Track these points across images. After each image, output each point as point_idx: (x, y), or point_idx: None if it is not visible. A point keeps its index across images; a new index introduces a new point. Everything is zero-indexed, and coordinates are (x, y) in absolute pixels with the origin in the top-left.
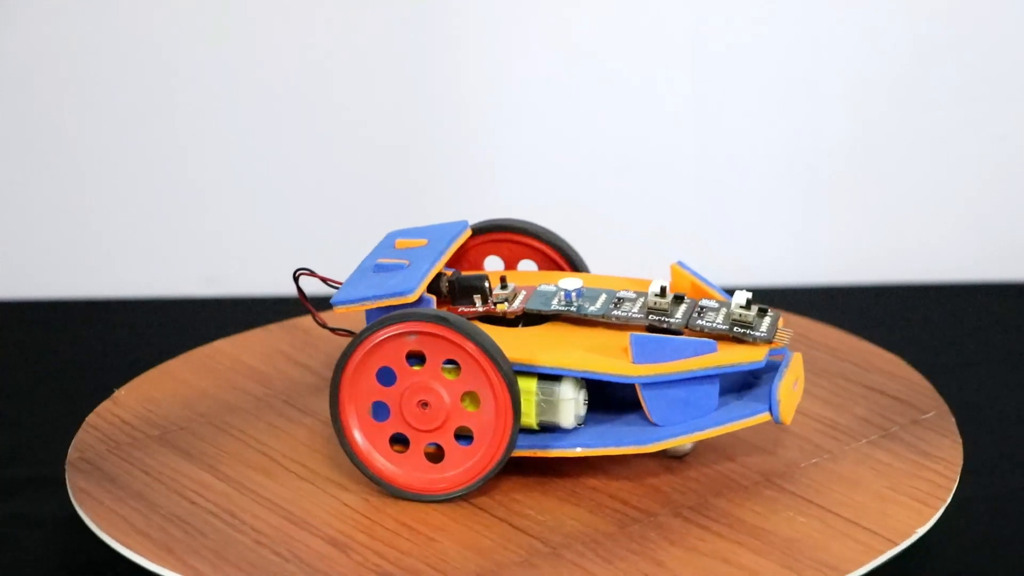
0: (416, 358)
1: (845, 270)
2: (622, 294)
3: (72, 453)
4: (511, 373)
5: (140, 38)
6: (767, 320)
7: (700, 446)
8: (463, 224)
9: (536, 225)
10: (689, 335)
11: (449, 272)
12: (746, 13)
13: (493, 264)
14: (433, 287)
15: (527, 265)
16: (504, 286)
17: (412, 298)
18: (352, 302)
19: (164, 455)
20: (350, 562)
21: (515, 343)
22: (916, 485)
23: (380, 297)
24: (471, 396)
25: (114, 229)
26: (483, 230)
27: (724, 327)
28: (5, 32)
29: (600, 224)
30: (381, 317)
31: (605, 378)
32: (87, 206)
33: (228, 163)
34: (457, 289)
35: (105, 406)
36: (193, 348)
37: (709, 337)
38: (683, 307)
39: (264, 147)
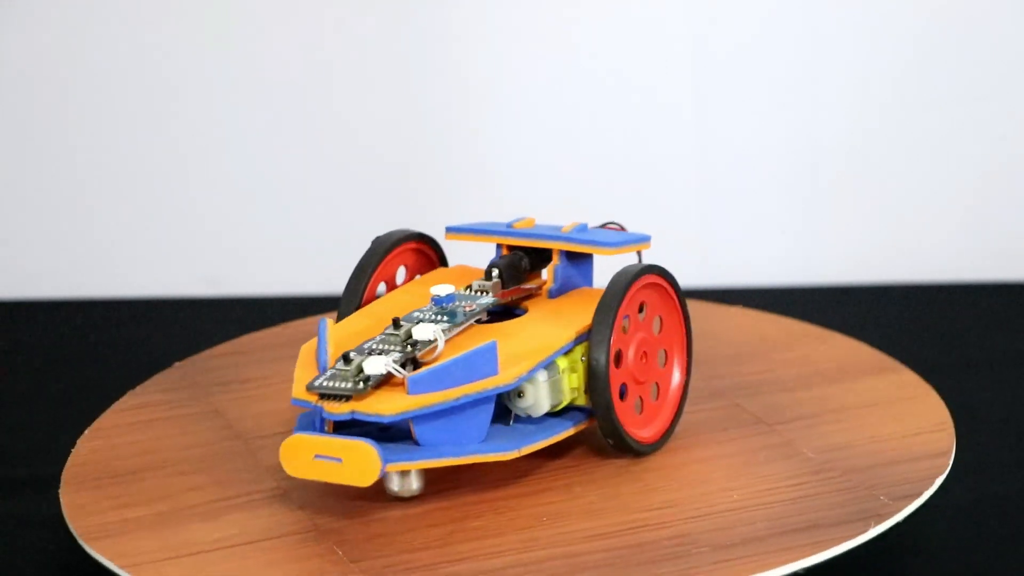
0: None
1: (845, 270)
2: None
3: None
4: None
5: (140, 38)
6: (346, 383)
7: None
8: (640, 237)
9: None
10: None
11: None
12: (747, 13)
13: None
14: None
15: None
16: (488, 278)
17: (447, 237)
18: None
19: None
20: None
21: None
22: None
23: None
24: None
25: (114, 229)
26: None
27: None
28: (6, 32)
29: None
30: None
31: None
32: (87, 206)
33: (228, 163)
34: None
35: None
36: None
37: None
38: (396, 345)
39: (264, 147)
